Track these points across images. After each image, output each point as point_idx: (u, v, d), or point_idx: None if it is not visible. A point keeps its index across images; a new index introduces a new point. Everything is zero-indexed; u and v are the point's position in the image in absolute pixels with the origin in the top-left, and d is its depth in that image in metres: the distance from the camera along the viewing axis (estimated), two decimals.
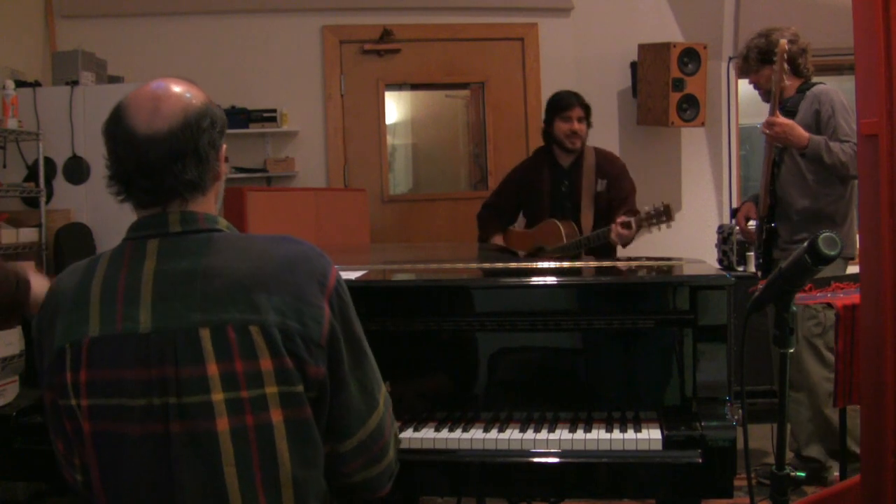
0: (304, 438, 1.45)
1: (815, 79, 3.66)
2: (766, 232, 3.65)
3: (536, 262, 2.86)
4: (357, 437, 1.55)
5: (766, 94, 3.63)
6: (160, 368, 1.40)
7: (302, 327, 1.44)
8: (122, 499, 1.45)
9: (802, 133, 3.39)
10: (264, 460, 1.41)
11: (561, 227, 3.93)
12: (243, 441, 1.40)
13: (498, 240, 4.14)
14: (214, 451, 1.39)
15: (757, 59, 3.64)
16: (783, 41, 3.35)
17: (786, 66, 3.36)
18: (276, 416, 1.42)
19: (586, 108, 4.07)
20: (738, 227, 4.09)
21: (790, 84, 3.56)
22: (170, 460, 1.40)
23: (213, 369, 1.39)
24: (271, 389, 1.41)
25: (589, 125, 4.10)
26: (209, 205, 1.55)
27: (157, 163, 1.45)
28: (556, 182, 4.09)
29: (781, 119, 3.42)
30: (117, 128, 1.47)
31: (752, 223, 3.83)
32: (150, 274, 1.45)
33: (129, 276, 1.46)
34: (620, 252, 4.07)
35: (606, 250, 3.96)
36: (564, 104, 4.06)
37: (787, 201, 3.58)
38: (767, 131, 3.47)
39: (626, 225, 3.59)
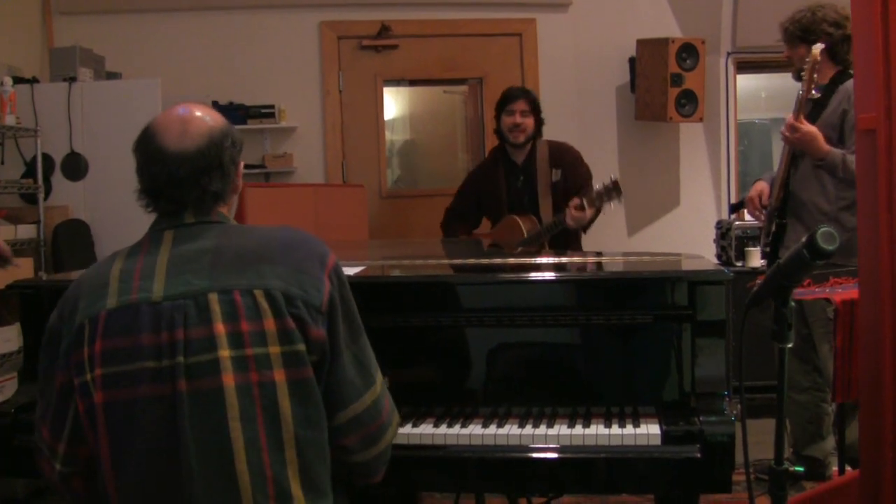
0: (307, 399, 1.53)
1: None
2: (776, 226, 3.56)
3: (535, 257, 2.86)
4: (352, 409, 1.62)
5: (796, 73, 3.46)
6: (170, 332, 1.50)
7: (304, 293, 1.56)
8: (130, 466, 1.49)
9: (822, 145, 3.24)
10: (267, 417, 1.49)
11: (520, 222, 3.94)
12: (248, 397, 1.48)
13: None
14: (220, 407, 1.47)
15: (795, 35, 3.45)
16: (816, 50, 3.16)
17: (816, 77, 3.20)
18: (279, 376, 1.51)
19: (532, 103, 4.03)
20: (745, 207, 3.88)
21: (825, 72, 3.37)
22: (176, 420, 1.46)
23: (220, 329, 1.50)
24: (274, 349, 1.51)
25: (538, 121, 4.05)
26: (224, 210, 1.71)
27: (187, 177, 1.61)
28: (512, 178, 4.08)
29: (805, 127, 3.26)
30: (148, 146, 1.63)
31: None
32: (165, 256, 1.58)
33: (146, 259, 1.59)
34: (618, 246, 4.07)
35: (568, 240, 3.96)
36: (508, 97, 4.06)
37: (801, 198, 3.46)
38: (788, 134, 3.32)
39: (579, 207, 3.60)
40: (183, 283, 1.53)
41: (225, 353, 1.48)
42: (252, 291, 1.52)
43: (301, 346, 1.52)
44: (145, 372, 1.48)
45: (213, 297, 1.51)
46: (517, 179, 4.07)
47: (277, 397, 1.50)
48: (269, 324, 1.51)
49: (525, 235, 3.90)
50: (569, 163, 4.03)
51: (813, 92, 3.23)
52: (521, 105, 4.00)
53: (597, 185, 3.59)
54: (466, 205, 4.28)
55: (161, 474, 1.48)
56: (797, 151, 3.43)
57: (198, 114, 1.66)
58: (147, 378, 1.48)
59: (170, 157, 1.60)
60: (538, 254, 3.78)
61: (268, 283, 1.53)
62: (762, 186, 3.65)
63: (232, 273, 1.54)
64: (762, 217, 3.63)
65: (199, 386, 1.47)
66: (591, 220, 3.78)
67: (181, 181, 1.60)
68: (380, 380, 1.69)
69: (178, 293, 1.52)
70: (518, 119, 3.98)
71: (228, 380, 1.47)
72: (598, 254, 3.07)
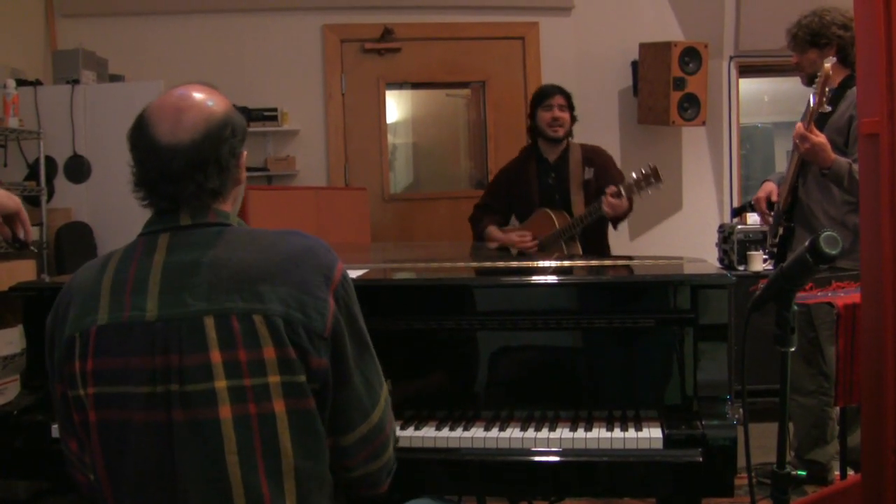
0: (307, 430, 1.46)
1: None
2: (784, 229, 3.55)
3: (537, 261, 2.86)
4: (360, 431, 1.56)
5: (806, 78, 3.45)
6: (164, 357, 1.42)
7: (306, 318, 1.45)
8: (125, 488, 1.46)
9: (829, 156, 3.18)
10: (267, 450, 1.43)
11: (553, 216, 3.93)
12: (246, 429, 1.41)
13: (493, 231, 4.12)
14: (216, 440, 1.40)
15: (805, 40, 3.43)
16: (828, 64, 3.08)
17: (828, 90, 3.14)
18: (279, 406, 1.43)
19: (568, 98, 4.06)
20: (754, 208, 3.86)
21: (835, 77, 3.29)
22: (172, 449, 1.41)
23: (216, 357, 1.41)
24: (274, 379, 1.42)
25: (573, 118, 4.08)
26: (225, 206, 1.58)
27: (180, 172, 1.48)
28: (544, 175, 4.08)
29: (815, 138, 3.18)
30: (141, 136, 1.51)
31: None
32: (160, 266, 1.48)
33: (138, 268, 1.49)
34: (620, 249, 4.06)
35: (600, 242, 3.96)
36: (545, 93, 4.09)
37: (808, 203, 3.45)
38: (798, 142, 3.25)
39: (616, 194, 3.60)
40: (178, 302, 1.43)
41: (221, 383, 1.40)
42: (251, 316, 1.42)
43: (302, 377, 1.44)
44: (138, 396, 1.42)
45: (210, 322, 1.42)
46: (549, 176, 4.07)
47: (277, 430, 1.43)
48: (269, 352, 1.42)
49: (557, 228, 3.90)
50: (601, 164, 4.05)
51: (826, 106, 3.20)
52: (558, 100, 4.03)
53: (633, 173, 3.58)
54: (496, 200, 4.27)
55: (156, 500, 1.43)
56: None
57: (197, 97, 1.53)
58: (140, 403, 1.42)
59: (162, 149, 1.47)
60: (567, 252, 3.79)
61: (268, 306, 1.43)
62: (771, 187, 3.65)
63: (230, 292, 1.43)
64: (769, 218, 3.63)
65: (195, 416, 1.40)
66: (625, 214, 3.79)
67: (174, 176, 1.48)
68: (384, 393, 1.62)
69: (173, 315, 1.43)
70: (557, 113, 4.01)
71: (225, 412, 1.40)
72: (625, 257, 3.06)
